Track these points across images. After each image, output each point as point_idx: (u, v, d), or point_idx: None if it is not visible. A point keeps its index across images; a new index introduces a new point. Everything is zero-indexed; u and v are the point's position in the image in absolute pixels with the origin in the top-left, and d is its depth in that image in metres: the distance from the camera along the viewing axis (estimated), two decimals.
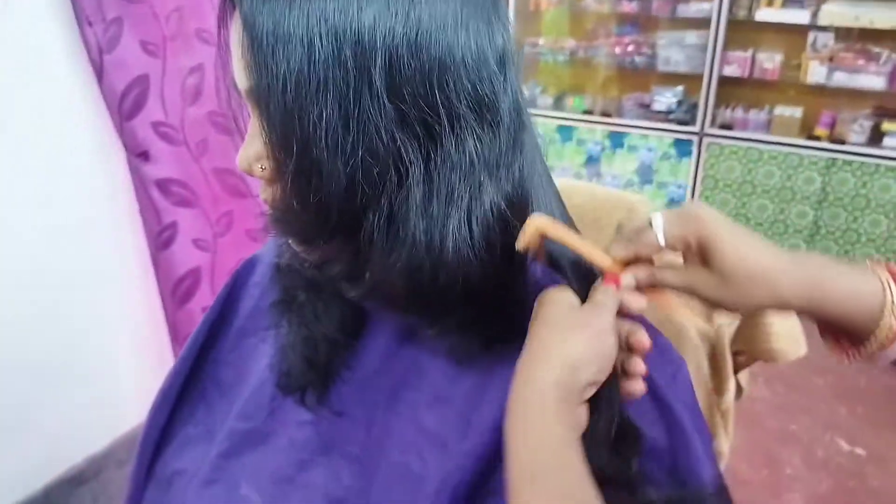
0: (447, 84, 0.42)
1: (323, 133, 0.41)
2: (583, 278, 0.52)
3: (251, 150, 0.48)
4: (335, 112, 0.41)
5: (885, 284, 0.45)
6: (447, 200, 0.43)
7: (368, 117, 0.41)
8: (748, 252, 0.45)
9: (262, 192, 0.50)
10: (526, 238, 0.48)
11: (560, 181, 0.58)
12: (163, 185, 1.59)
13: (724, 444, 1.04)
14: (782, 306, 0.46)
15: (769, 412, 2.10)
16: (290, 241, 0.51)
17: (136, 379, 1.69)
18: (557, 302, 0.47)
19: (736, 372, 1.02)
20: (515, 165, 0.46)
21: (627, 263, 0.49)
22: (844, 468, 1.90)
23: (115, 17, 1.41)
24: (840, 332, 0.48)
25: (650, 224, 0.47)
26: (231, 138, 1.73)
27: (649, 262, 0.49)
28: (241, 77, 0.45)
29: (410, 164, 0.42)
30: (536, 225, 0.48)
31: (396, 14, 0.41)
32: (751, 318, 0.97)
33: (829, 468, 1.90)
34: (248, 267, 0.72)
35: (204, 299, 1.75)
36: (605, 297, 0.47)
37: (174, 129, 1.59)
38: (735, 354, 1.00)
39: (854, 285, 0.45)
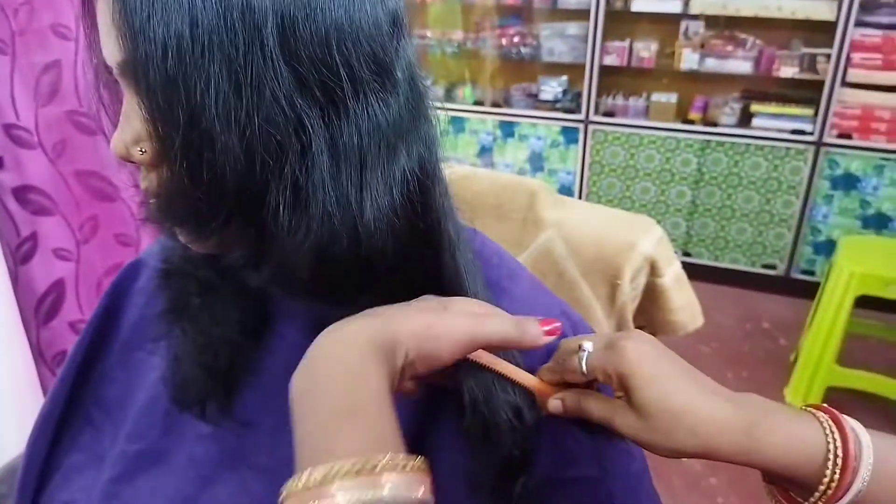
0: (346, 46, 0.40)
1: (212, 101, 0.37)
2: None
3: (127, 132, 0.43)
4: (224, 78, 0.37)
5: (828, 433, 0.40)
6: (360, 168, 0.41)
7: (263, 82, 0.38)
8: (672, 392, 0.41)
9: (143, 181, 0.45)
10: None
11: (459, 169, 0.56)
12: (19, 193, 1.45)
13: None
14: (711, 455, 0.41)
15: None
16: (178, 233, 0.46)
17: (9, 406, 1.52)
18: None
19: None
20: (422, 130, 0.44)
21: (563, 385, 0.47)
22: None
23: None
24: (784, 483, 0.42)
25: (580, 348, 0.45)
26: (94, 138, 1.61)
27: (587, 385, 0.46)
28: (112, 51, 0.40)
29: (313, 131, 0.40)
30: None
31: None
32: (652, 293, 1.00)
33: None
34: (131, 272, 0.65)
35: (70, 314, 1.62)
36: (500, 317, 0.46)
37: (28, 131, 1.45)
38: (638, 329, 1.04)
39: (792, 435, 0.40)
